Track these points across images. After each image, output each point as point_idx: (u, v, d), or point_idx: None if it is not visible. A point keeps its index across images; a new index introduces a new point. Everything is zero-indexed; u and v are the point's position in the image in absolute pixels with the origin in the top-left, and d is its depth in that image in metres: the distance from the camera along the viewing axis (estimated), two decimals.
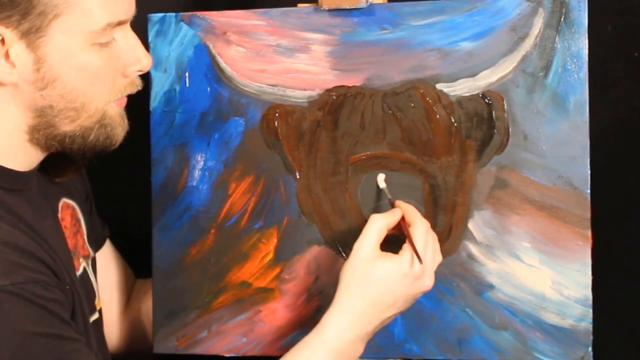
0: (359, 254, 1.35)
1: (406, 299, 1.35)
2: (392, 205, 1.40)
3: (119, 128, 1.35)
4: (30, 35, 1.26)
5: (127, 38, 1.32)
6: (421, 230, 1.36)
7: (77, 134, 1.32)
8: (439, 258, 1.38)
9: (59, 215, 1.43)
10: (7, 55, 1.27)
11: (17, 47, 1.26)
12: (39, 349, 1.23)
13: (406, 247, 1.35)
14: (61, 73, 1.28)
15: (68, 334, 1.27)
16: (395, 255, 1.35)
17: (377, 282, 1.34)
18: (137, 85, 1.36)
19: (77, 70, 1.28)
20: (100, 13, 1.27)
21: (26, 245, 1.27)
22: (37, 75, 1.28)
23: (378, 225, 1.36)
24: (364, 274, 1.34)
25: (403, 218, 1.38)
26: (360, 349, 1.36)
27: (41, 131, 1.31)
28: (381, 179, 1.43)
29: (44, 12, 1.25)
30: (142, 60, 1.34)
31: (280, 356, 1.38)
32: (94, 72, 1.29)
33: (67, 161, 1.41)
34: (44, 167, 1.39)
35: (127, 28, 1.33)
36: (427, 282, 1.36)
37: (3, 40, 1.26)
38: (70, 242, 1.43)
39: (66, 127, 1.31)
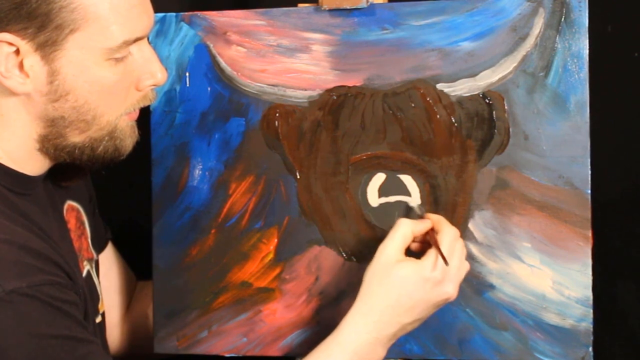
0: (381, 256, 1.34)
1: (427, 305, 1.33)
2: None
3: (129, 140, 1.34)
4: (46, 48, 1.25)
5: (143, 52, 1.31)
6: (448, 237, 1.34)
7: (86, 145, 1.31)
8: (465, 267, 1.36)
9: (65, 218, 1.43)
10: (21, 66, 1.26)
11: (31, 59, 1.26)
12: (54, 351, 1.22)
13: (430, 252, 1.33)
14: (74, 86, 1.27)
15: (83, 336, 1.26)
16: (417, 260, 1.33)
17: (396, 283, 1.32)
18: (151, 99, 1.35)
19: (91, 84, 1.28)
20: (117, 30, 1.26)
21: (40, 248, 1.26)
22: (50, 87, 1.27)
23: (404, 230, 1.35)
24: (384, 275, 1.33)
25: (432, 229, 1.37)
26: (380, 353, 1.34)
27: (51, 141, 1.31)
28: (413, 201, 1.42)
29: (61, 26, 1.24)
30: (157, 75, 1.32)
31: (281, 356, 1.37)
32: (107, 86, 1.29)
33: (75, 166, 1.40)
34: (51, 171, 1.38)
35: (144, 42, 1.31)
36: (449, 289, 1.33)
37: (18, 51, 1.25)
38: (75, 245, 1.43)
39: (75, 138, 1.31)
